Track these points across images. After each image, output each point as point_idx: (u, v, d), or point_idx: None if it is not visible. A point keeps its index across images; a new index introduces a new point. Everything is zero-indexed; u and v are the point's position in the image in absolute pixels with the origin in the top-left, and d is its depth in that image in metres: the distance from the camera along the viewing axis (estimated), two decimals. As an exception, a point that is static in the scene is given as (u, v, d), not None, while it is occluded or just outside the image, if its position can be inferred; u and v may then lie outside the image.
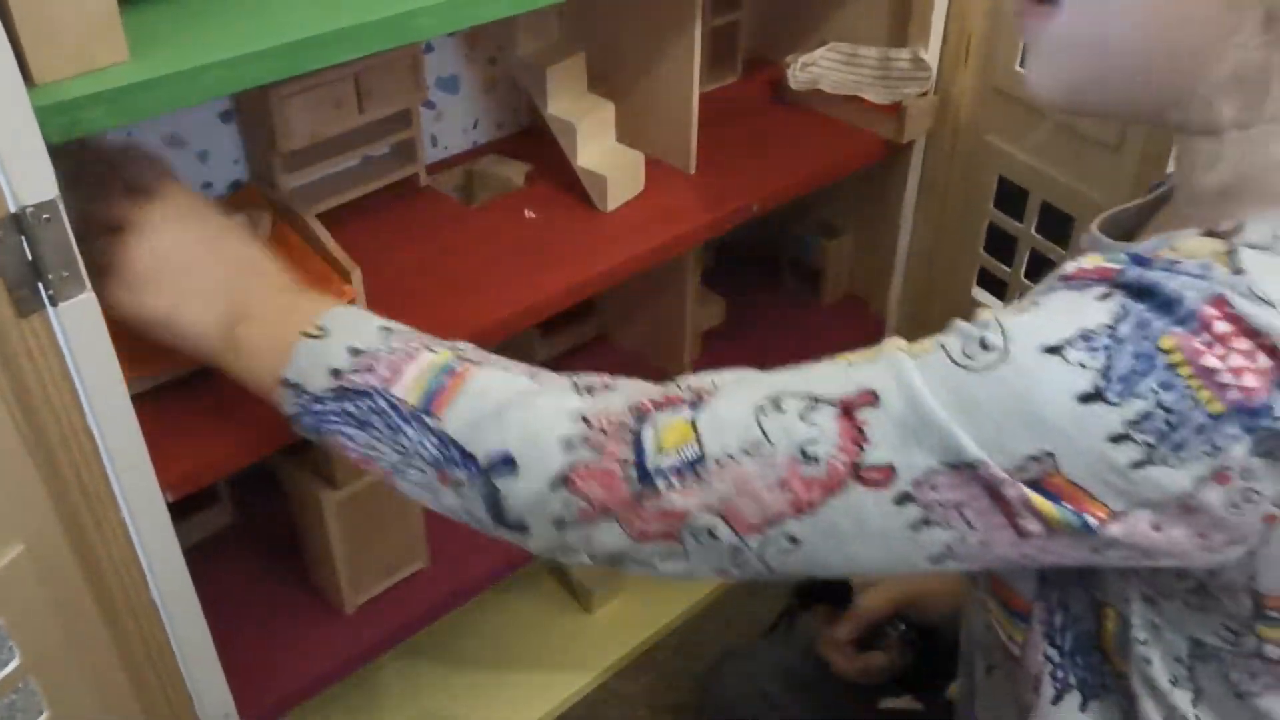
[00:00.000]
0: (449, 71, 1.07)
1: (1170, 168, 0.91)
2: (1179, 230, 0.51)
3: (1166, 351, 0.45)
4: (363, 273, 0.82)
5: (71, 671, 0.64)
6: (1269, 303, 0.44)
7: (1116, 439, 0.45)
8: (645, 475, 0.53)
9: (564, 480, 0.54)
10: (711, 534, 0.53)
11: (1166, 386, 0.45)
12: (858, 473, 0.49)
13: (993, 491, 0.48)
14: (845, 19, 1.21)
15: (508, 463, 0.55)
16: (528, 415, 0.56)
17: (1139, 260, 0.48)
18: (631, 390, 0.57)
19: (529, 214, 1.01)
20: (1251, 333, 0.44)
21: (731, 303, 1.28)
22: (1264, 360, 0.44)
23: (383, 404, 0.58)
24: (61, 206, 0.53)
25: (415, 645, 1.20)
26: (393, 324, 0.63)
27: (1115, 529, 0.47)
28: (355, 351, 0.60)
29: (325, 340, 0.61)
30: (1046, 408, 0.46)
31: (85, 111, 0.55)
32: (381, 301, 0.85)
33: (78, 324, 0.57)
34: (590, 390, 0.58)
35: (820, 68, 1.18)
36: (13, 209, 0.52)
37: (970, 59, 1.10)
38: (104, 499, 0.63)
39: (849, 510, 0.50)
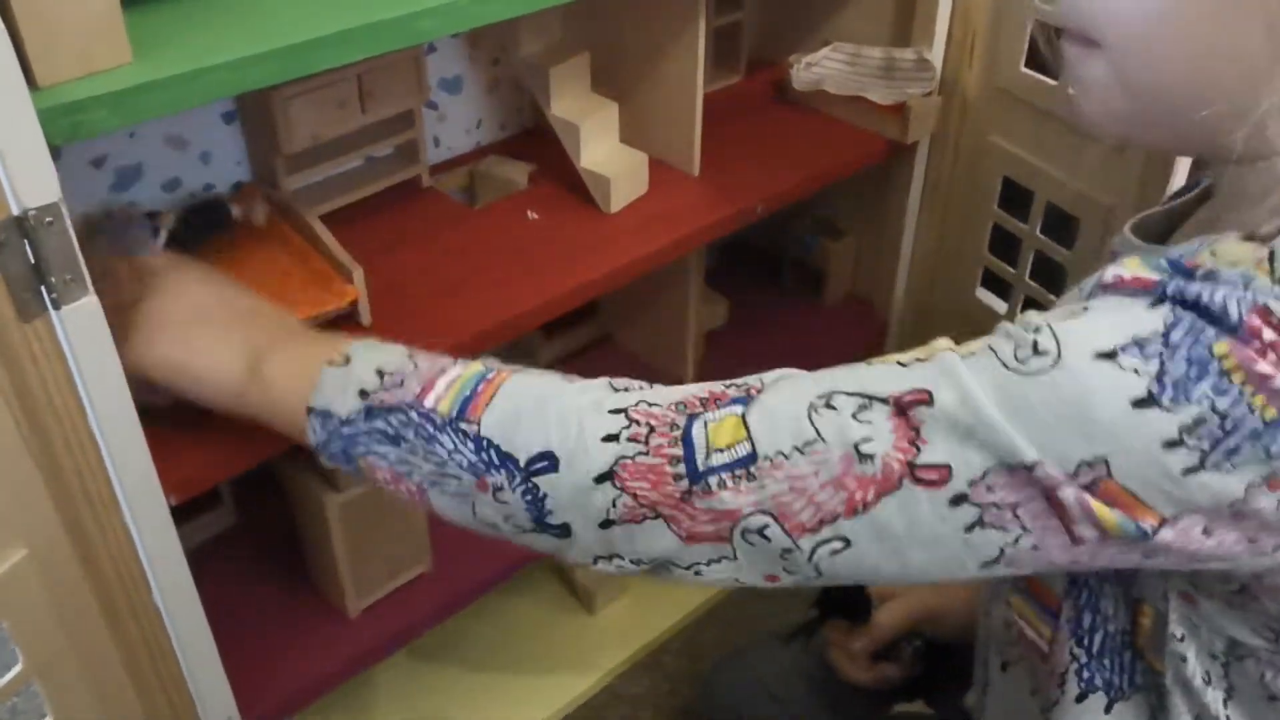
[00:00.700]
0: (452, 72, 1.07)
1: (1177, 168, 0.92)
2: (1219, 235, 0.51)
3: (1220, 357, 0.44)
4: (365, 274, 0.82)
5: (74, 675, 0.64)
6: None
7: (1170, 444, 0.45)
8: (696, 473, 0.52)
9: (609, 475, 0.53)
10: (763, 534, 0.52)
11: (1220, 392, 0.44)
12: (913, 472, 0.49)
13: (1049, 494, 0.48)
14: (849, 18, 1.20)
15: (549, 459, 0.54)
16: (566, 410, 0.55)
17: (1178, 268, 0.48)
18: (676, 389, 0.56)
19: (532, 215, 1.00)
20: None
21: (735, 303, 1.28)
22: None
23: (415, 417, 0.58)
24: (64, 209, 0.53)
25: (418, 648, 1.21)
26: (416, 350, 0.62)
27: (1167, 534, 0.47)
28: (383, 372, 0.59)
29: (351, 365, 0.60)
30: (1100, 412, 0.45)
31: (88, 113, 0.55)
32: (384, 303, 0.85)
33: (81, 327, 0.57)
34: (628, 389, 0.57)
35: (824, 68, 1.18)
36: (15, 212, 0.52)
37: (975, 59, 1.10)
38: (107, 502, 0.63)
39: (903, 510, 0.50)
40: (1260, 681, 0.56)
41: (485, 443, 0.56)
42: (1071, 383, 0.46)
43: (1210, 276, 0.47)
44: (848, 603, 0.92)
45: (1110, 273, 0.50)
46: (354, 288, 0.82)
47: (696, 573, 0.55)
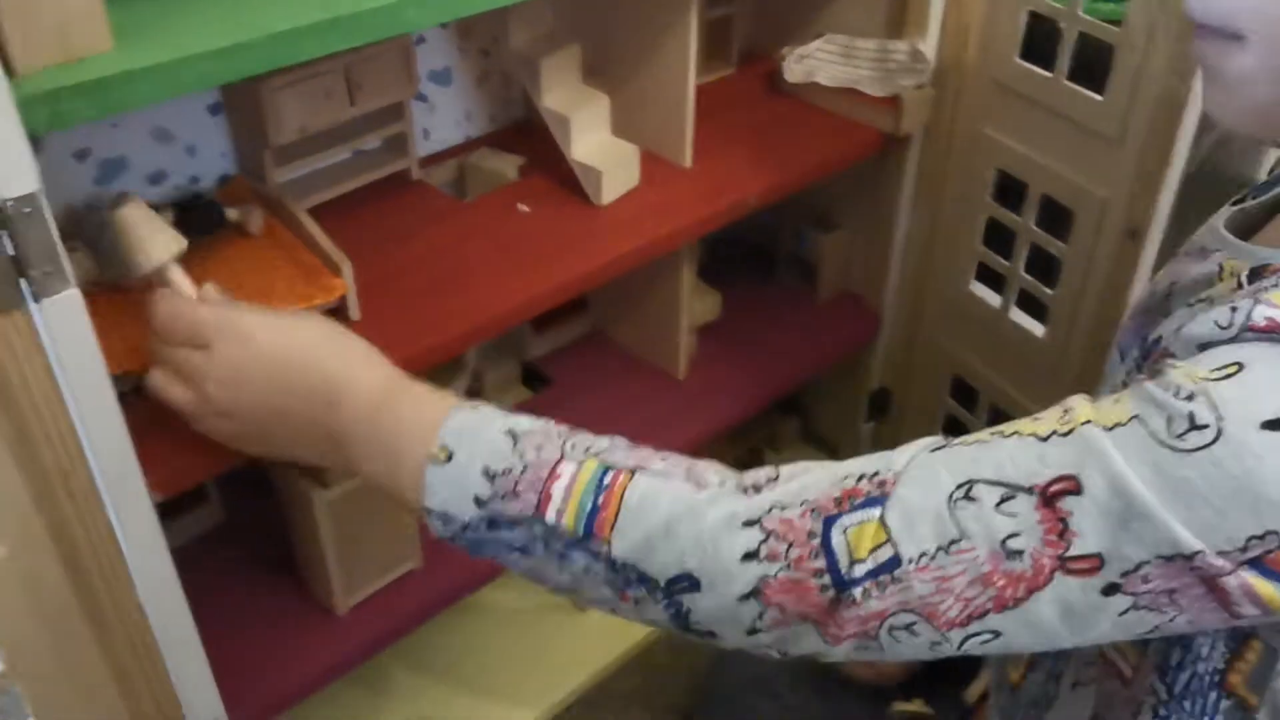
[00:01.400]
0: (441, 64, 1.06)
1: (1174, 160, 0.91)
2: None
3: None
4: (354, 268, 0.81)
5: (57, 676, 0.63)
6: None
7: None
8: (841, 583, 0.51)
9: (754, 594, 0.53)
10: (910, 630, 0.52)
11: None
12: (1064, 565, 0.48)
13: (1209, 581, 0.46)
14: (841, 10, 1.20)
15: (689, 580, 0.53)
16: (701, 530, 0.53)
17: None
18: (806, 484, 0.54)
19: (522, 208, 0.99)
20: None
21: (727, 297, 1.27)
22: None
23: (539, 531, 0.56)
24: (44, 200, 0.52)
25: (408, 646, 1.20)
26: (514, 421, 0.59)
27: None
28: (491, 475, 0.57)
29: (455, 464, 0.57)
30: (1270, 488, 0.44)
31: (67, 103, 0.54)
32: (372, 297, 0.84)
33: (61, 321, 0.56)
34: (757, 488, 0.55)
35: (816, 60, 1.17)
36: (-8, 202, 0.51)
37: (969, 51, 1.09)
38: (89, 499, 0.62)
39: (1055, 602, 0.49)
40: None
41: (620, 564, 0.55)
42: (1237, 460, 0.44)
43: None
44: None
45: (1261, 314, 0.48)
46: (342, 281, 0.81)
47: (846, 658, 0.55)
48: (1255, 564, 0.45)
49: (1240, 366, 0.47)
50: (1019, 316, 1.15)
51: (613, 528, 0.54)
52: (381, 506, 0.94)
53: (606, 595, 0.56)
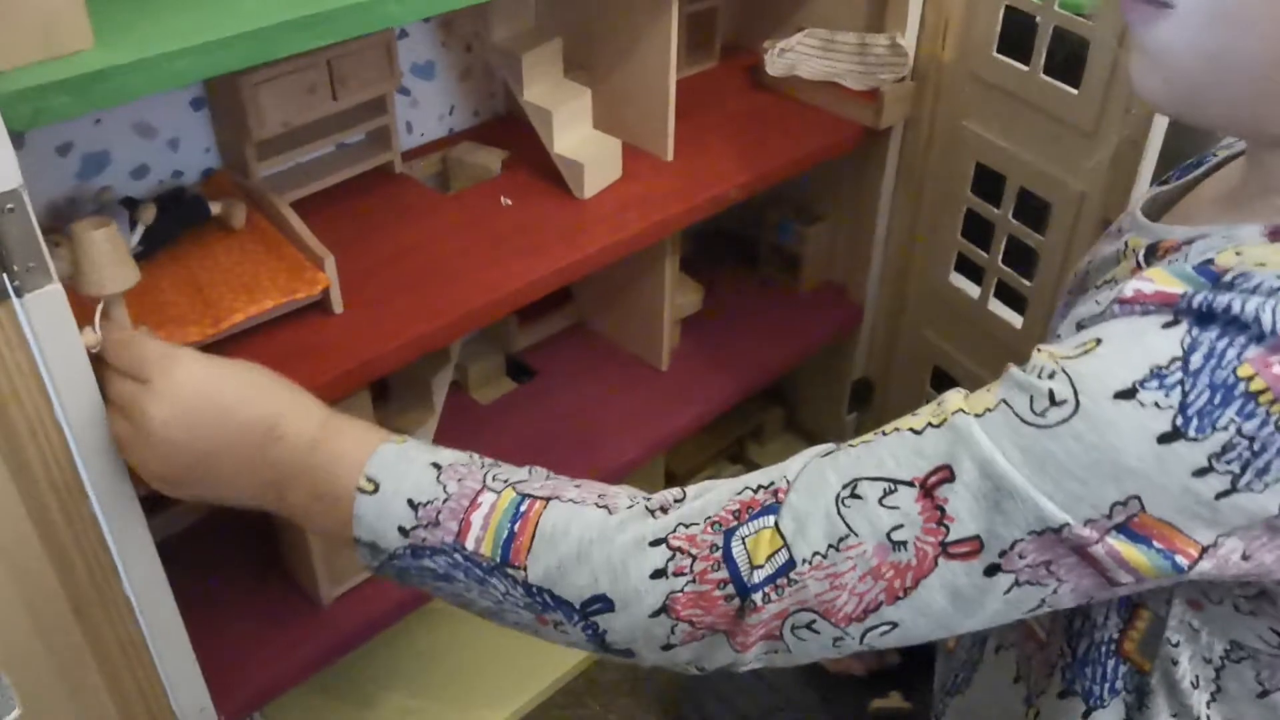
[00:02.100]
0: (424, 58, 1.06)
1: (1147, 153, 0.92)
2: (1237, 223, 0.51)
3: (1245, 379, 0.44)
4: (337, 261, 0.81)
5: (43, 667, 0.64)
6: None
7: (1200, 472, 0.45)
8: (744, 590, 0.53)
9: (664, 609, 0.54)
10: (811, 628, 0.53)
11: (1247, 415, 0.44)
12: (946, 550, 0.49)
13: (1080, 552, 0.48)
14: (822, 4, 1.20)
15: (603, 601, 0.55)
16: (611, 553, 0.55)
17: (1207, 275, 0.47)
18: (708, 501, 0.56)
19: (506, 201, 1.00)
20: None
21: (710, 289, 1.28)
22: None
23: (460, 559, 0.57)
24: (26, 196, 0.52)
25: (394, 636, 1.20)
26: (438, 455, 0.59)
27: (1205, 565, 0.47)
28: (414, 505, 0.57)
29: (380, 495, 0.58)
30: (1127, 454, 0.45)
31: (49, 99, 0.54)
32: (355, 290, 0.85)
33: (45, 316, 0.56)
34: (664, 509, 0.57)
35: (797, 54, 1.17)
36: (-25, 199, 0.51)
37: (948, 44, 1.10)
38: (74, 492, 0.62)
39: (943, 587, 0.50)
40: (1254, 679, 0.56)
41: (536, 589, 0.56)
42: (1094, 429, 0.46)
43: (1241, 279, 0.46)
44: None
45: (1131, 287, 0.49)
46: (325, 275, 0.81)
47: (758, 665, 0.57)
48: (1122, 529, 0.47)
49: (1099, 341, 0.48)
50: (997, 307, 1.16)
51: (528, 553, 0.56)
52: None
53: (527, 619, 0.58)
